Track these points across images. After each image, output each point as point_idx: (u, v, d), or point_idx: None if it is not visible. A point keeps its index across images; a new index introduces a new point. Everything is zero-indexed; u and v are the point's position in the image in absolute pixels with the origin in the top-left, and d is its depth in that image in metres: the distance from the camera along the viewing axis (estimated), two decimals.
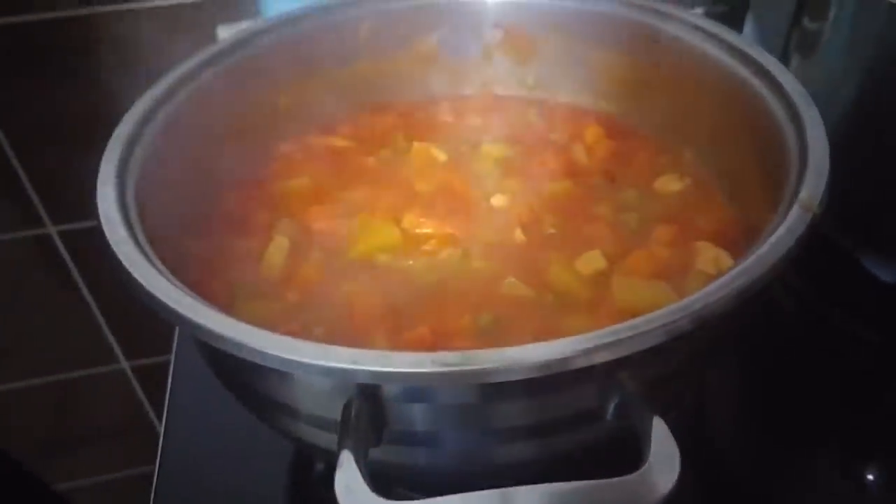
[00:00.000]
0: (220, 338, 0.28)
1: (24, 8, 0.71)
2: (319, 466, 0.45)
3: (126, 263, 0.31)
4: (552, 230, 0.45)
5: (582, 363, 0.25)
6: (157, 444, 0.48)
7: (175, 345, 0.54)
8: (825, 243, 0.49)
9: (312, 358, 0.26)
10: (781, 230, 0.30)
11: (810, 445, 0.46)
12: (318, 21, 0.53)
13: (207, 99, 0.46)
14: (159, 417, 1.12)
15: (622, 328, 0.25)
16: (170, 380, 0.52)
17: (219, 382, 0.37)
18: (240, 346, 0.28)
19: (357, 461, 0.25)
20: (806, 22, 0.53)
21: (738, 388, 0.50)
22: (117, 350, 1.05)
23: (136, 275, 0.31)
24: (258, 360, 0.27)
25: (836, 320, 0.53)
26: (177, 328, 0.53)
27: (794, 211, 0.30)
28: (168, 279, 0.31)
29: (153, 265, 0.32)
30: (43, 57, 0.74)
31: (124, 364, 1.07)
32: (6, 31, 0.71)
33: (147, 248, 0.34)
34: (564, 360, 0.25)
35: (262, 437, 0.40)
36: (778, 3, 0.61)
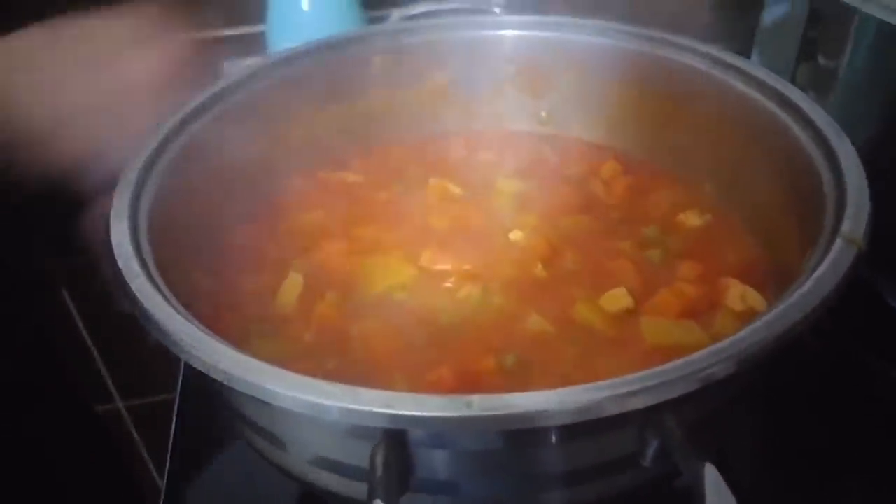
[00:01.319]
0: (238, 380, 0.27)
1: None
2: None
3: (141, 298, 0.30)
4: (573, 266, 0.44)
5: (638, 404, 0.23)
6: (155, 489, 0.46)
7: (179, 385, 0.52)
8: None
9: (341, 401, 0.24)
10: (826, 265, 0.28)
11: (837, 484, 0.44)
12: (328, 57, 0.53)
13: (217, 133, 0.45)
14: (153, 458, 1.10)
15: (672, 368, 0.24)
16: (174, 420, 0.49)
17: (223, 423, 0.35)
18: (259, 388, 0.26)
19: None
20: (821, 59, 0.53)
21: (760, 425, 0.48)
22: (112, 389, 1.02)
23: (150, 309, 0.30)
24: (280, 403, 0.26)
25: (860, 355, 0.51)
26: (181, 369, 0.51)
27: (838, 245, 0.29)
28: (183, 315, 0.30)
29: (167, 301, 0.31)
30: None
31: (119, 404, 1.05)
32: None
33: (160, 283, 0.32)
34: (620, 400, 0.23)
35: (270, 481, 0.38)
36: (782, 43, 0.61)
